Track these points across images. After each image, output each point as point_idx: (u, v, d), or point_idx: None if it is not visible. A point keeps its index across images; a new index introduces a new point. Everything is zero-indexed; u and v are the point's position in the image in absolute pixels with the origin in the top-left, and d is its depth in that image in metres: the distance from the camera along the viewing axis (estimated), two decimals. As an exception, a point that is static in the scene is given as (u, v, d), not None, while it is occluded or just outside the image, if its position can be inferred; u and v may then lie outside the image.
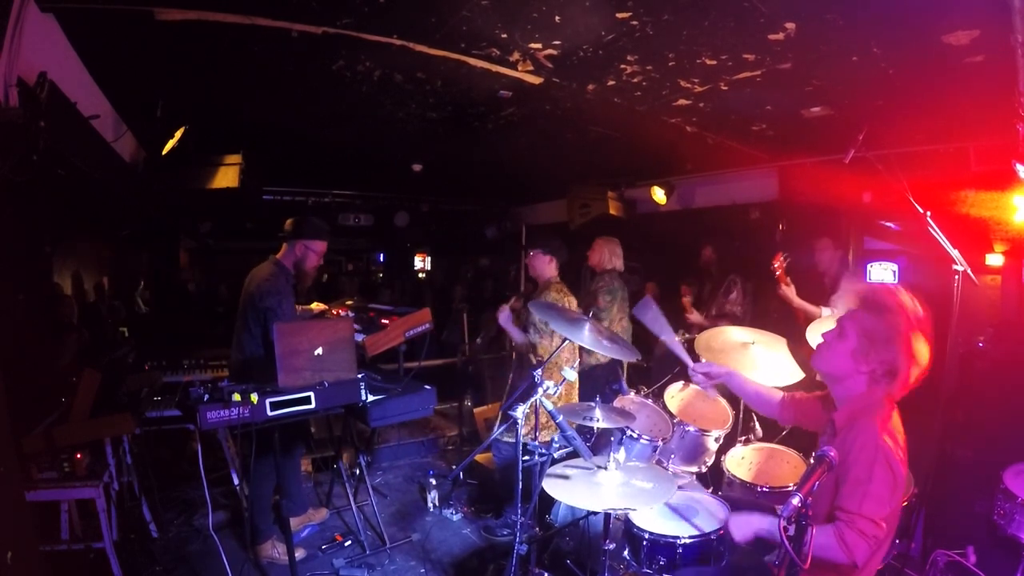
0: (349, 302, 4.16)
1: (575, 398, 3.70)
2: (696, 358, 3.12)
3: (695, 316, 4.53)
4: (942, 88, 2.71)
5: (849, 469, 1.66)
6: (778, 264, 3.70)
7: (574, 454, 2.50)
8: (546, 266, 3.75)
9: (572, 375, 2.81)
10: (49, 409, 3.06)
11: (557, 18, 2.38)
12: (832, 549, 1.63)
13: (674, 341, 2.47)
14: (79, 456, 2.87)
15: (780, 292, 3.75)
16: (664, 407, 3.17)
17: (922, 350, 1.73)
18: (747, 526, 1.87)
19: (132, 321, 6.19)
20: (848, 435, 1.73)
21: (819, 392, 2.13)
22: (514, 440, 2.57)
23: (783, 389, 2.35)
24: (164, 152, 3.56)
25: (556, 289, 3.66)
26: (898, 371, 1.73)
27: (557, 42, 2.63)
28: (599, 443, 3.05)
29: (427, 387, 3.17)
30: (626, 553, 2.40)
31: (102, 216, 5.16)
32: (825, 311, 3.50)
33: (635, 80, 3.00)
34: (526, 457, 2.63)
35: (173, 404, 3.71)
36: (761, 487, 2.68)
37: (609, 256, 4.36)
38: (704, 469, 3.04)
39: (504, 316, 3.62)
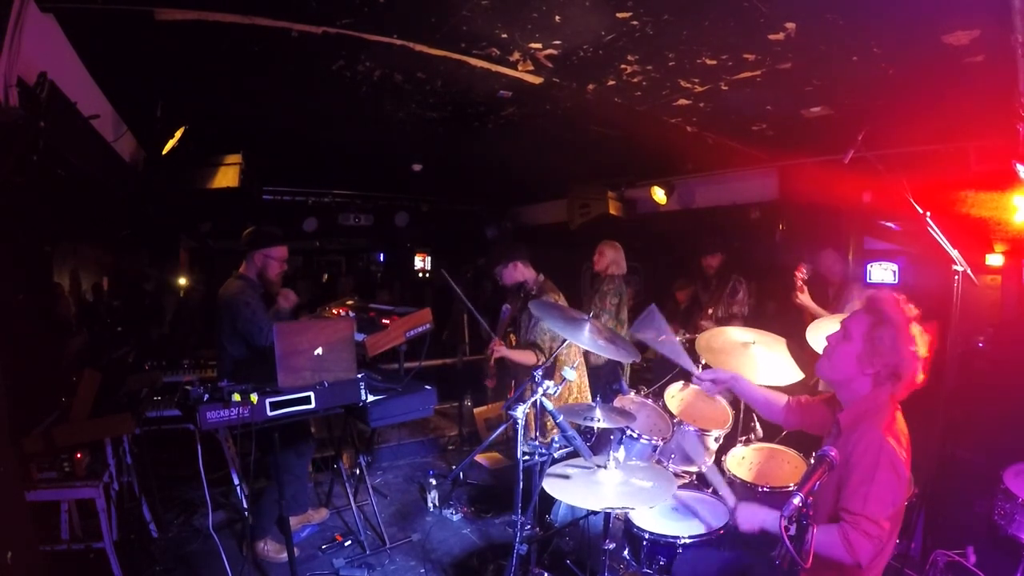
0: (350, 302, 4.15)
1: (587, 396, 3.64)
2: (697, 358, 3.12)
3: (708, 323, 4.47)
4: (942, 88, 2.72)
5: (852, 470, 1.67)
6: (800, 275, 3.72)
7: (574, 454, 2.50)
8: (519, 272, 3.58)
9: (572, 375, 2.81)
10: (49, 409, 3.06)
11: (557, 18, 2.38)
12: (836, 548, 1.63)
13: (678, 350, 2.44)
14: (79, 456, 2.87)
15: (797, 301, 3.73)
16: (664, 407, 3.17)
17: (922, 348, 1.75)
18: (754, 517, 1.88)
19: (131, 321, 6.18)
20: (852, 436, 1.73)
21: (824, 394, 2.13)
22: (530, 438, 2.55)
23: (783, 389, 2.34)
24: (164, 152, 3.56)
25: (551, 288, 3.54)
26: (902, 374, 1.75)
27: (557, 42, 2.63)
28: (599, 443, 3.05)
29: (427, 387, 3.16)
30: (626, 553, 2.40)
31: (102, 216, 5.15)
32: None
33: (635, 80, 3.00)
34: (526, 457, 2.62)
35: (173, 404, 3.70)
36: (761, 487, 2.67)
37: (615, 262, 4.39)
38: (704, 469, 3.04)
39: (501, 352, 3.41)
